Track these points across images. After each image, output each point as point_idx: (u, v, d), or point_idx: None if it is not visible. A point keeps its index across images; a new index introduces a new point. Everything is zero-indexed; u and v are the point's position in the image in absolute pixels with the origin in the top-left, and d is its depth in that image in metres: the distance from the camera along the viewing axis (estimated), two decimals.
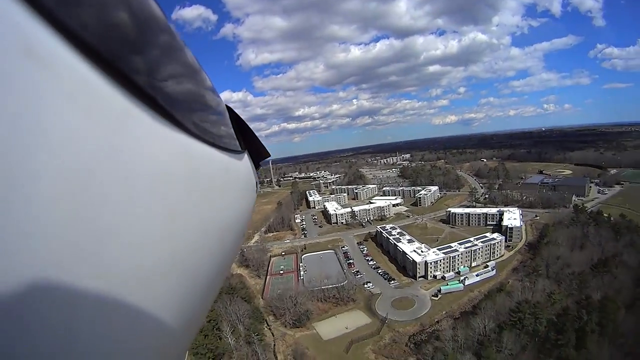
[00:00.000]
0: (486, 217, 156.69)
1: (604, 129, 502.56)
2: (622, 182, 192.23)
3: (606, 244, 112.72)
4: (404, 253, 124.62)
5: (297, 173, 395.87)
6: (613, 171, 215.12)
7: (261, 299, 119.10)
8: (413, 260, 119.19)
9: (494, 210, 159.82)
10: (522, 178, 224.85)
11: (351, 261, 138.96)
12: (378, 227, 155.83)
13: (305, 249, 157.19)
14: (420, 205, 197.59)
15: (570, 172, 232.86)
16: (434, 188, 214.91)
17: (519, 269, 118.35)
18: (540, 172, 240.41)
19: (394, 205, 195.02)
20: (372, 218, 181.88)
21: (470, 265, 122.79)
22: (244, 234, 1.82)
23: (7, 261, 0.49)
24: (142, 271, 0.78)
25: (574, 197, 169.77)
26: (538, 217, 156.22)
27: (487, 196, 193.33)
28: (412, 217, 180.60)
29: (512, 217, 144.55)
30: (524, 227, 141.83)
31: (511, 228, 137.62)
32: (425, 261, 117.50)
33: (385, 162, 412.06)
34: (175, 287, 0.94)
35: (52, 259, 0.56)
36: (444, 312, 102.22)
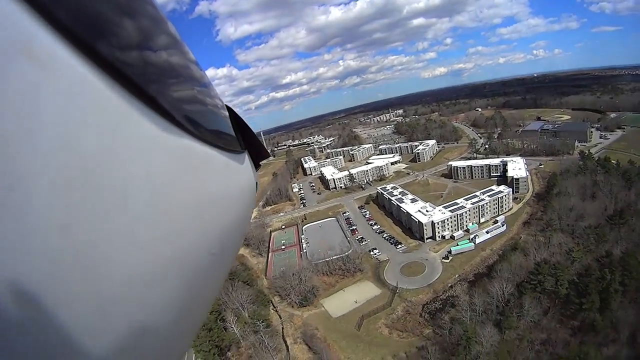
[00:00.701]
0: (489, 169, 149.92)
1: (597, 72, 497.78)
2: (623, 127, 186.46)
3: (618, 192, 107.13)
4: (409, 214, 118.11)
5: (290, 141, 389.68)
6: (612, 115, 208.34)
7: (265, 279, 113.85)
8: (419, 221, 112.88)
9: (496, 160, 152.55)
10: (520, 125, 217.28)
11: (354, 227, 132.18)
12: (378, 188, 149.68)
13: (305, 219, 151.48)
14: (419, 161, 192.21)
15: (569, 117, 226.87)
16: (432, 142, 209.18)
17: (530, 223, 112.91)
18: (539, 119, 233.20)
19: (392, 164, 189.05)
20: (371, 179, 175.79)
21: (479, 222, 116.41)
22: (244, 233, 1.83)
23: (6, 261, 0.49)
24: (142, 271, 0.78)
25: (576, 143, 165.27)
26: (543, 166, 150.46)
27: (487, 146, 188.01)
28: (413, 174, 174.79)
29: (517, 167, 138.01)
30: (529, 177, 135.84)
31: (517, 179, 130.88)
32: (432, 221, 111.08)
33: (379, 119, 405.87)
34: (176, 287, 0.94)
35: (52, 259, 0.56)
36: (456, 276, 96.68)
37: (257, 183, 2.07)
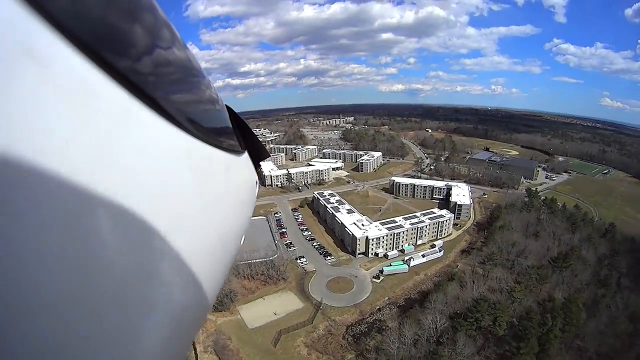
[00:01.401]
0: (432, 190, 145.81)
1: (549, 117, 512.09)
2: (569, 171, 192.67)
3: (562, 235, 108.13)
4: (343, 225, 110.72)
5: None
6: (560, 158, 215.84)
7: None
8: (353, 234, 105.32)
9: (441, 183, 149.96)
10: (468, 153, 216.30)
11: (284, 230, 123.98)
12: (315, 192, 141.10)
13: None
14: (362, 171, 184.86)
15: (517, 153, 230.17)
16: (378, 154, 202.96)
17: (468, 252, 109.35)
18: (487, 149, 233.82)
19: (334, 169, 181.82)
20: (309, 182, 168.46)
21: (416, 244, 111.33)
22: (244, 233, 1.84)
23: (7, 261, 0.49)
24: (142, 271, 0.79)
25: (522, 179, 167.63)
26: (486, 196, 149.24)
27: (432, 167, 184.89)
28: (353, 183, 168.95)
29: (461, 194, 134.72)
30: (472, 205, 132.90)
31: (460, 205, 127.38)
32: (367, 237, 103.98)
33: (328, 123, 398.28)
34: (176, 287, 0.94)
35: (53, 259, 0.56)
36: (386, 298, 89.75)
37: (257, 182, 2.11)
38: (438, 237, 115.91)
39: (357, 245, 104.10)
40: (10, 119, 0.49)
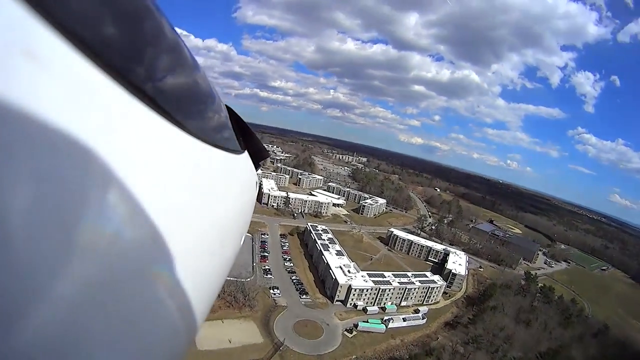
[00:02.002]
0: (429, 251, 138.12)
1: (557, 202, 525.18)
2: (568, 260, 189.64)
3: (554, 328, 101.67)
4: (328, 266, 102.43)
5: None
6: (562, 246, 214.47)
7: None
8: (336, 279, 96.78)
9: (439, 246, 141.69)
10: (472, 221, 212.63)
11: (266, 254, 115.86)
12: (309, 224, 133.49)
13: None
14: (362, 214, 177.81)
15: (520, 231, 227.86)
16: (382, 201, 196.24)
17: (452, 325, 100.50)
18: (491, 222, 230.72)
19: (334, 205, 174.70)
20: (306, 211, 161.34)
21: (400, 304, 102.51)
22: (244, 233, 1.86)
23: (7, 260, 0.49)
24: (142, 270, 0.79)
25: (521, 260, 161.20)
26: (482, 269, 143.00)
27: (434, 227, 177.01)
28: (350, 224, 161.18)
29: (458, 262, 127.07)
30: (467, 276, 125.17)
31: (455, 274, 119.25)
32: (350, 285, 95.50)
33: (340, 158, 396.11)
34: (176, 287, 0.95)
35: (52, 257, 0.55)
36: (354, 357, 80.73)
37: (257, 183, 2.11)
38: (424, 303, 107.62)
39: (338, 292, 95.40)
40: (10, 119, 0.49)
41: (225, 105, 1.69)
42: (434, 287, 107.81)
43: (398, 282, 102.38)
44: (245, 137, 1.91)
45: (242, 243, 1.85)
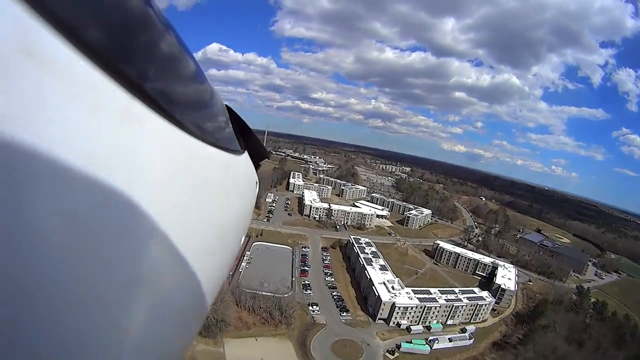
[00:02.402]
0: (477, 265, 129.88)
1: (604, 208, 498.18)
2: (619, 271, 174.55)
3: (608, 349, 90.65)
4: (371, 282, 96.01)
5: (291, 151, 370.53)
6: (612, 256, 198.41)
7: None
8: (379, 296, 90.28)
9: (487, 259, 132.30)
10: (519, 231, 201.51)
11: (306, 269, 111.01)
12: (351, 236, 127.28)
13: (261, 235, 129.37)
14: (406, 226, 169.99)
15: (569, 241, 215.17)
16: (427, 211, 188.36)
17: (501, 346, 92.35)
18: (539, 231, 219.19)
19: (378, 216, 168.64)
20: (349, 223, 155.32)
21: (446, 322, 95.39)
22: (244, 233, 1.85)
23: (9, 261, 0.48)
24: (142, 270, 0.78)
25: (571, 272, 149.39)
26: (532, 283, 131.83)
27: (480, 238, 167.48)
28: (394, 236, 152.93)
29: (507, 276, 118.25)
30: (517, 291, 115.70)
31: (504, 290, 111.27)
32: (394, 303, 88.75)
33: (384, 168, 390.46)
34: (176, 287, 0.94)
35: (54, 258, 0.55)
36: None
37: (257, 183, 2.09)
38: (472, 321, 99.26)
39: (381, 310, 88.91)
40: (11, 119, 0.48)
41: (226, 105, 1.68)
42: (482, 305, 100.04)
43: (445, 299, 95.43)
44: (245, 137, 1.89)
45: (242, 243, 1.83)
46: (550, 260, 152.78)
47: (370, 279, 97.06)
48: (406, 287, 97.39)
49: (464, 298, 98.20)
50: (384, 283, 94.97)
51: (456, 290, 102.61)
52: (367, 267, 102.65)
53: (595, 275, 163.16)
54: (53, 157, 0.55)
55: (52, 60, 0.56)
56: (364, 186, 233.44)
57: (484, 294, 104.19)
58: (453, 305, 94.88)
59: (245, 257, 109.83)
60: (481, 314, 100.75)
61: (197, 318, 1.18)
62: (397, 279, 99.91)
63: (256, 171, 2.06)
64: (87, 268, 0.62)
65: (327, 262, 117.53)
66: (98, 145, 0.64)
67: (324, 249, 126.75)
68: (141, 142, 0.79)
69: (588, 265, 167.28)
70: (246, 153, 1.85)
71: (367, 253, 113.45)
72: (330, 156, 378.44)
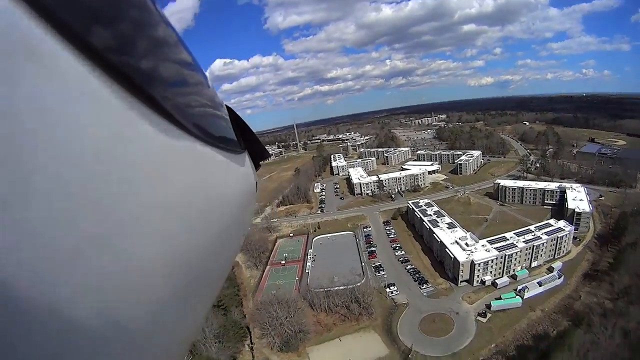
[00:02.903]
0: (544, 194, 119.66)
1: None
2: None
3: None
4: (443, 245, 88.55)
5: (325, 135, 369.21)
6: None
7: (251, 301, 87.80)
8: (455, 258, 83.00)
9: (553, 185, 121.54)
10: (574, 146, 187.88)
11: (374, 249, 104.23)
12: (410, 202, 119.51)
13: (319, 228, 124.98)
14: (460, 174, 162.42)
15: (624, 142, 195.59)
16: (477, 153, 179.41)
17: (592, 276, 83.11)
18: (592, 140, 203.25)
19: (429, 173, 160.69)
20: (403, 188, 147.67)
21: (530, 266, 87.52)
22: (244, 234, 1.83)
23: (7, 261, 0.49)
24: (142, 271, 0.77)
25: (639, 175, 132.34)
26: (603, 198, 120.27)
27: (538, 165, 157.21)
28: (452, 189, 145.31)
29: (578, 198, 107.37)
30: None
31: (579, 213, 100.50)
32: (472, 261, 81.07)
33: (420, 122, 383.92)
34: (175, 287, 0.93)
35: (53, 258, 0.55)
36: (493, 345, 67.08)
37: (256, 183, 2.07)
38: (555, 257, 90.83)
39: (460, 272, 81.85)
40: (11, 119, 0.49)
41: (226, 105, 1.67)
42: (562, 236, 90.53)
43: (523, 242, 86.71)
44: (245, 137, 1.87)
45: (241, 243, 1.82)
46: (614, 167, 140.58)
47: (440, 241, 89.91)
48: (480, 239, 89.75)
49: (542, 235, 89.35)
50: (456, 242, 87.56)
51: (532, 228, 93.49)
52: (435, 230, 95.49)
53: None
54: (53, 158, 0.55)
55: (52, 60, 0.56)
56: (407, 146, 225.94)
57: (561, 223, 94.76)
58: (533, 246, 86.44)
59: (309, 256, 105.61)
60: (564, 246, 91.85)
61: (197, 318, 1.17)
62: (468, 233, 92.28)
63: (256, 171, 2.06)
64: (85, 269, 0.62)
65: (392, 235, 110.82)
66: (98, 145, 0.64)
67: (386, 222, 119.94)
68: (141, 143, 0.79)
69: None
70: (246, 153, 1.84)
71: (430, 214, 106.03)
72: (365, 128, 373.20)
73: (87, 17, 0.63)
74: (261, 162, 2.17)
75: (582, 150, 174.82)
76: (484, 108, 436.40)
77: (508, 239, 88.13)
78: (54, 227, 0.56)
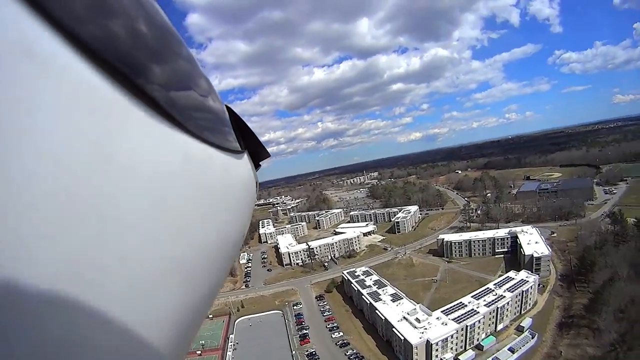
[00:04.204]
0: (494, 243, 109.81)
1: (571, 130, 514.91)
2: (624, 178, 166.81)
3: None
4: (388, 323, 72.78)
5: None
6: (607, 167, 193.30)
7: None
8: (405, 340, 66.72)
9: (502, 232, 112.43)
10: (512, 187, 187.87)
11: (306, 332, 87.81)
12: (345, 272, 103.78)
13: (242, 307, 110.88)
14: (399, 232, 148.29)
15: (560, 174, 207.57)
16: (413, 208, 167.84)
17: (567, 325, 74.01)
18: (528, 178, 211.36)
19: (364, 234, 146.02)
20: (337, 255, 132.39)
21: (495, 330, 74.66)
22: (244, 234, 1.78)
23: (6, 262, 0.48)
24: (141, 272, 0.76)
25: (585, 202, 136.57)
26: (556, 234, 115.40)
27: (478, 213, 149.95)
28: (391, 250, 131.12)
29: (533, 241, 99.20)
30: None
31: (538, 258, 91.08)
32: (427, 340, 65.44)
33: (352, 182, 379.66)
34: (175, 288, 0.92)
35: (51, 260, 0.54)
36: None
37: (257, 183, 1.99)
38: (522, 312, 79.36)
39: (415, 355, 65.46)
40: (10, 118, 0.48)
41: (226, 105, 1.63)
42: (528, 289, 79.18)
43: (485, 306, 73.11)
44: (245, 138, 1.82)
45: (241, 244, 1.73)
46: (558, 201, 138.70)
47: (385, 319, 73.84)
48: (432, 310, 74.55)
49: (505, 293, 76.90)
50: (404, 318, 71.83)
51: (491, 286, 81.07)
52: (377, 305, 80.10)
53: (606, 194, 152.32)
54: (52, 158, 0.54)
55: (52, 60, 0.55)
56: (339, 208, 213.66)
57: (523, 274, 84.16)
58: (497, 308, 72.96)
59: (230, 343, 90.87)
60: (530, 299, 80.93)
61: (197, 319, 1.16)
62: (418, 305, 76.78)
63: (256, 171, 1.99)
64: (84, 270, 0.61)
65: (327, 313, 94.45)
66: (97, 145, 0.64)
67: (319, 297, 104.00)
68: (141, 143, 0.78)
69: (593, 187, 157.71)
70: (246, 153, 1.79)
71: (370, 285, 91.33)
72: (297, 190, 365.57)
73: (86, 17, 0.62)
74: (261, 163, 2.08)
75: (522, 190, 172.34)
76: (415, 162, 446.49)
77: (466, 305, 74.38)
78: (55, 228, 0.55)
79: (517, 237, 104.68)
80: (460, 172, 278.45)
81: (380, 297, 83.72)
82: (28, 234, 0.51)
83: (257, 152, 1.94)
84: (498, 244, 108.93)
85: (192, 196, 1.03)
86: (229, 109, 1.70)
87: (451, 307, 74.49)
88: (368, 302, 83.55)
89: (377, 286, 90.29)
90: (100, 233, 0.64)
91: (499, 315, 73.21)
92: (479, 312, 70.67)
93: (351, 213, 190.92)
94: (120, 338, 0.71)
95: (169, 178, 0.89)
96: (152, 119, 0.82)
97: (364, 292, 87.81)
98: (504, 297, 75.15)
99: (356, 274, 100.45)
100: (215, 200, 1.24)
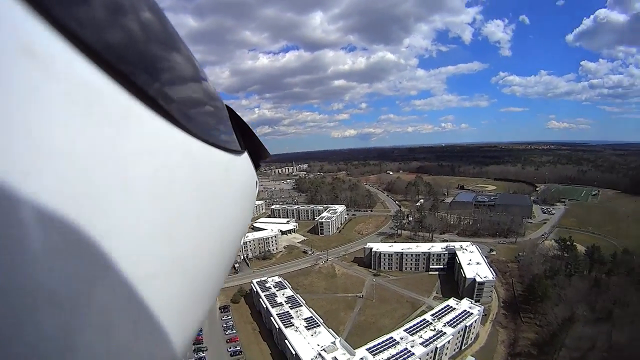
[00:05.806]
0: (428, 258, 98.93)
1: (503, 146, 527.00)
2: (562, 200, 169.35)
3: (630, 299, 70.45)
4: (298, 358, 57.36)
5: None
6: (541, 186, 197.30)
7: None
8: None
9: (439, 247, 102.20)
10: (445, 195, 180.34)
11: (202, 355, 69.25)
12: (254, 281, 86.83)
13: None
14: (322, 234, 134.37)
15: (495, 187, 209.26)
16: (340, 208, 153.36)
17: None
18: (461, 187, 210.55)
19: (283, 233, 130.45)
20: (251, 255, 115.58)
21: None
22: (244, 234, 1.87)
23: (6, 262, 0.48)
24: (141, 272, 0.77)
25: (524, 220, 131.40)
26: (495, 253, 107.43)
27: (411, 219, 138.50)
28: (312, 254, 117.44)
29: (474, 261, 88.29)
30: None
31: (481, 283, 79.90)
32: None
33: (280, 172, 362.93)
34: (176, 287, 0.94)
35: (51, 259, 0.55)
36: None
37: (257, 182, 2.12)
38: (463, 348, 66.79)
39: None
40: (10, 118, 0.49)
41: (226, 105, 1.69)
42: (471, 323, 66.69)
43: (420, 344, 59.10)
44: (246, 137, 1.89)
45: (241, 243, 1.85)
46: (495, 216, 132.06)
47: (296, 354, 58.13)
48: (355, 343, 59.75)
49: (445, 328, 63.48)
50: (319, 355, 56.56)
51: (428, 317, 67.09)
52: (287, 334, 63.52)
53: (544, 213, 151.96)
54: (52, 158, 0.55)
55: (52, 60, 0.56)
56: (261, 199, 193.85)
57: (465, 304, 71.66)
58: (436, 348, 59.23)
59: None
60: (472, 333, 68.86)
61: (197, 319, 1.18)
62: (337, 339, 61.11)
63: (256, 171, 2.07)
64: (84, 270, 0.62)
65: (231, 331, 76.36)
66: (97, 145, 0.64)
67: (223, 308, 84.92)
68: (141, 142, 0.79)
69: (532, 206, 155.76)
70: (246, 153, 1.85)
71: (282, 303, 74.86)
72: None
73: (87, 17, 0.63)
74: (261, 162, 2.17)
75: (457, 200, 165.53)
76: (347, 158, 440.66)
77: (398, 342, 59.69)
78: (55, 228, 0.55)
79: (455, 253, 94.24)
80: (392, 173, 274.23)
81: (292, 321, 67.68)
82: (27, 233, 0.51)
83: (257, 151, 1.98)
84: (433, 259, 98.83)
85: (192, 196, 1.02)
86: (229, 108, 1.71)
87: (379, 344, 59.47)
88: (277, 326, 66.88)
89: (289, 304, 74.36)
90: (100, 232, 0.64)
91: (437, 356, 59.91)
92: (414, 354, 56.61)
93: (272, 207, 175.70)
94: (121, 337, 0.72)
95: (169, 178, 0.89)
96: (152, 119, 0.83)
97: (274, 312, 71.41)
98: (445, 333, 62.14)
99: (267, 285, 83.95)
100: (215, 199, 1.23)
